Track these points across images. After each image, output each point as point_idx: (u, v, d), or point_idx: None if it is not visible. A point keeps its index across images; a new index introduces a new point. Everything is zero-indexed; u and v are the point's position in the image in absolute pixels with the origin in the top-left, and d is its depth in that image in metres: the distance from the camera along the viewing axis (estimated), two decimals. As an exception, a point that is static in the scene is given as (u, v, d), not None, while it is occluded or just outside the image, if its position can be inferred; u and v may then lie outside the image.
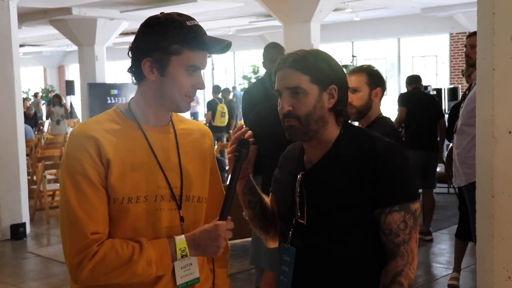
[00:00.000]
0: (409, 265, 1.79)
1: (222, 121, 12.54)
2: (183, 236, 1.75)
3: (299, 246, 1.87)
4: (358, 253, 1.82)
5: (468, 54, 4.45)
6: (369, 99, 3.02)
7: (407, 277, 1.79)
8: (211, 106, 12.62)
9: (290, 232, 1.90)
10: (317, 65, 1.81)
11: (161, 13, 1.78)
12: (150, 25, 1.75)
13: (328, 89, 1.83)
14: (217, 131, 12.52)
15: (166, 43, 1.71)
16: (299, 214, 1.87)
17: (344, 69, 1.95)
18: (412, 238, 1.81)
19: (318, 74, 1.81)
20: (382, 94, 3.05)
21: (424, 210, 6.64)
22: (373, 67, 3.15)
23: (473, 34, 4.43)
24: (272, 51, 4.55)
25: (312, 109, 1.81)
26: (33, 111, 17.48)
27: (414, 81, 7.37)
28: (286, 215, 1.93)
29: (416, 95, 7.14)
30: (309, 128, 1.83)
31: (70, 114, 19.79)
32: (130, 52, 1.78)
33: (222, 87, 14.41)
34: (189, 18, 1.76)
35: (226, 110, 12.56)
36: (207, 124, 13.13)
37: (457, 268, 5.10)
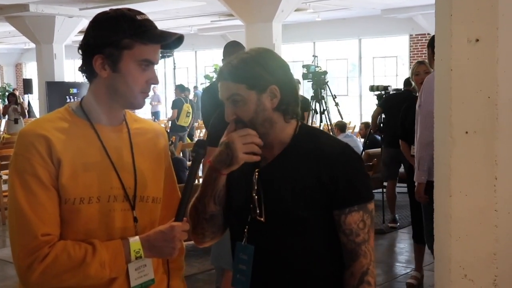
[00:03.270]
0: (372, 262, 1.83)
1: (186, 120, 12.50)
2: (137, 237, 1.72)
3: (257, 244, 1.86)
4: (318, 249, 1.84)
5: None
6: None
7: (373, 275, 1.83)
8: (177, 105, 12.54)
9: (246, 230, 1.88)
10: (250, 72, 1.81)
11: (110, 9, 1.74)
12: (99, 20, 1.72)
13: (268, 90, 1.82)
14: (180, 130, 12.45)
15: (117, 37, 1.67)
16: (257, 211, 1.86)
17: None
18: (370, 237, 1.85)
19: (252, 81, 1.81)
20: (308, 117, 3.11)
21: (388, 200, 7.25)
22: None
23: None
24: (232, 49, 4.54)
25: (254, 114, 1.81)
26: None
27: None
28: (241, 212, 1.90)
29: (395, 96, 7.47)
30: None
31: (28, 113, 19.40)
32: (80, 50, 1.73)
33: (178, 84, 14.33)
34: (139, 12, 1.73)
35: (191, 110, 12.51)
36: (171, 122, 13.06)
37: (417, 268, 5.18)
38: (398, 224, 7.28)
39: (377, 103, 7.76)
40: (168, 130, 12.00)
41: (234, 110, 1.83)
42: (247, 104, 1.81)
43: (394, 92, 7.88)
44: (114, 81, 1.71)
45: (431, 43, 4.45)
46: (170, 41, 1.74)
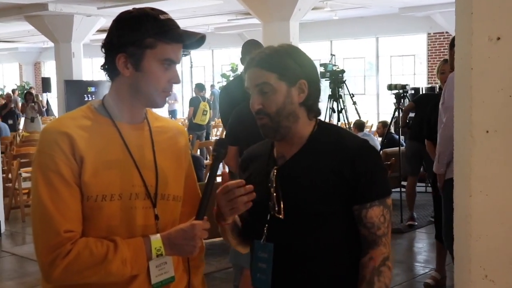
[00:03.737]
0: (389, 254, 1.86)
1: (203, 119, 12.51)
2: (158, 235, 1.72)
3: (277, 242, 1.87)
4: (337, 244, 1.85)
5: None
6: None
7: (391, 265, 1.86)
8: (194, 103, 12.57)
9: (265, 228, 1.89)
10: (283, 62, 1.83)
11: (133, 8, 1.75)
12: (123, 19, 1.72)
13: (297, 84, 1.84)
14: (197, 129, 12.47)
15: (140, 37, 1.68)
16: (276, 208, 1.86)
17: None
18: (389, 231, 1.88)
19: (284, 71, 1.83)
20: None
21: (407, 197, 7.25)
22: None
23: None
24: (250, 48, 4.54)
25: (282, 105, 1.83)
26: (13, 105, 17.21)
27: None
28: (259, 211, 1.91)
29: (428, 96, 7.72)
30: (281, 125, 1.84)
31: (46, 111, 19.57)
32: (103, 48, 1.74)
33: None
34: (162, 12, 1.74)
35: (208, 109, 12.53)
36: (188, 121, 13.10)
37: (438, 268, 5.13)
38: (417, 223, 7.22)
39: (394, 102, 7.78)
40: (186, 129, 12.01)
41: (261, 100, 1.84)
42: (276, 94, 1.83)
43: (423, 91, 8.09)
44: (137, 80, 1.72)
45: (453, 43, 4.43)
46: (193, 41, 1.75)
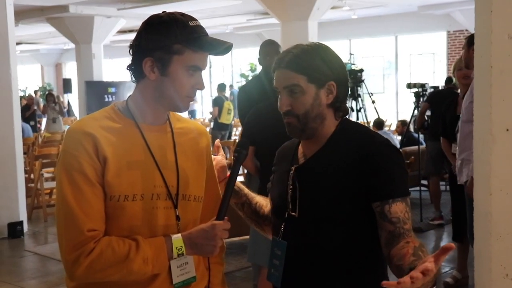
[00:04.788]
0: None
1: (228, 118, 12.49)
2: (179, 234, 1.74)
3: (290, 239, 1.88)
4: (349, 247, 1.83)
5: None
6: None
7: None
8: (218, 103, 12.58)
9: (282, 226, 1.91)
10: (313, 64, 1.82)
11: (163, 12, 1.77)
12: (152, 23, 1.74)
13: (326, 86, 1.84)
14: (222, 128, 12.47)
15: (169, 42, 1.70)
16: (290, 206, 1.88)
17: None
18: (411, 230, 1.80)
19: (314, 74, 1.82)
20: None
21: (432, 196, 7.33)
22: None
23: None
24: (269, 48, 4.56)
25: (310, 107, 1.83)
26: (35, 106, 17.41)
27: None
28: (279, 208, 1.93)
29: (441, 93, 7.65)
30: (307, 126, 1.84)
31: (68, 112, 19.75)
32: (130, 50, 1.77)
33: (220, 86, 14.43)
34: (192, 18, 1.76)
35: (232, 108, 12.51)
36: (213, 120, 13.11)
37: (459, 268, 5.09)
38: (444, 222, 7.15)
39: (414, 100, 7.75)
40: (208, 129, 12.05)
41: (290, 101, 1.84)
42: (304, 96, 1.82)
43: (438, 89, 8.02)
44: (162, 84, 1.74)
45: (469, 42, 4.39)
46: (219, 50, 1.76)
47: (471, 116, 4.21)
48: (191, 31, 1.72)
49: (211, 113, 14.17)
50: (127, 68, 1.79)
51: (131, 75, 1.80)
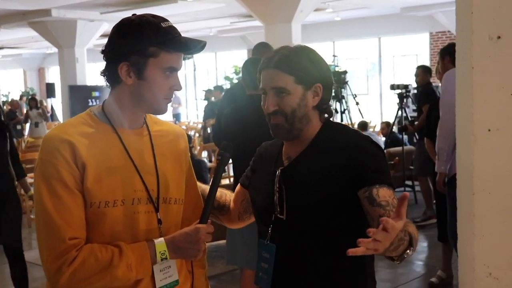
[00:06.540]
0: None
1: None
2: (162, 239, 1.74)
3: (279, 242, 1.88)
4: (338, 246, 1.81)
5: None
6: None
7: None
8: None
9: (270, 229, 1.90)
10: (301, 65, 1.82)
11: (133, 15, 1.75)
12: (124, 27, 1.72)
13: (313, 88, 1.85)
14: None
15: (143, 45, 1.68)
16: (278, 209, 1.87)
17: None
18: None
19: (302, 75, 1.82)
20: None
21: (424, 195, 7.31)
22: None
23: None
24: (262, 50, 4.57)
25: (297, 106, 1.83)
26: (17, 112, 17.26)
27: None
28: (265, 211, 1.93)
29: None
30: (294, 127, 1.85)
31: (51, 116, 19.59)
32: (104, 56, 1.75)
33: (205, 88, 14.37)
34: (164, 19, 1.74)
35: None
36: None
37: (443, 267, 5.14)
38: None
39: (397, 101, 7.79)
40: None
41: (277, 101, 1.83)
42: (292, 97, 1.83)
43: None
44: (139, 88, 1.73)
45: (445, 52, 4.57)
46: (194, 49, 1.75)
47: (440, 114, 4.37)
48: (165, 32, 1.70)
49: (203, 125, 13.71)
50: (101, 74, 1.77)
51: (105, 81, 1.77)
